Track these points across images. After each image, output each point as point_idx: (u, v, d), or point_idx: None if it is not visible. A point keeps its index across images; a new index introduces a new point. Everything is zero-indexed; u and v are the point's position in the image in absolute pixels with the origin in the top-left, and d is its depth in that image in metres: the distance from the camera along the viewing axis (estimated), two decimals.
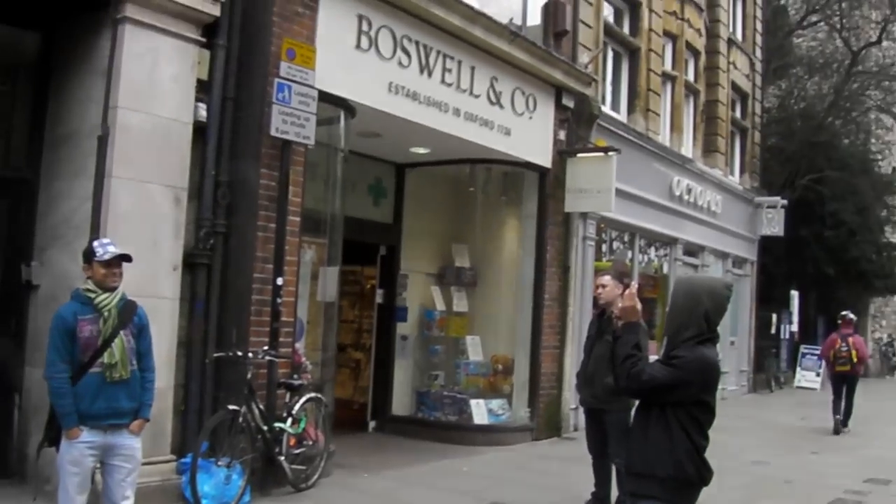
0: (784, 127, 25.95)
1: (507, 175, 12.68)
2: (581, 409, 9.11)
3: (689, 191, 16.94)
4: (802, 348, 24.24)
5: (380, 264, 12.34)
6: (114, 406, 5.07)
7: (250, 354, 7.47)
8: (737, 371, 20.40)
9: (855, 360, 14.69)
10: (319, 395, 8.61)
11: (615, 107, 14.99)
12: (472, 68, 10.75)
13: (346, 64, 8.90)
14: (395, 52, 9.49)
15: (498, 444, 11.36)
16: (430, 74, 10.04)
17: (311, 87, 8.18)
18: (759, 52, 22.00)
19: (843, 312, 15.89)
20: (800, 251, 24.30)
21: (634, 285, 4.26)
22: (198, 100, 7.45)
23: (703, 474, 4.04)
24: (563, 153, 12.55)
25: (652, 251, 16.28)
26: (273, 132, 7.87)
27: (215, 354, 7.45)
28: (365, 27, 9.08)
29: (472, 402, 11.63)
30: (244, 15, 7.79)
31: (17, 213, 7.35)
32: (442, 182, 12.69)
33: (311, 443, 8.36)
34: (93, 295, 5.08)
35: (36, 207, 7.37)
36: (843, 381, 14.84)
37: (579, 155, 12.59)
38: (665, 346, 4.19)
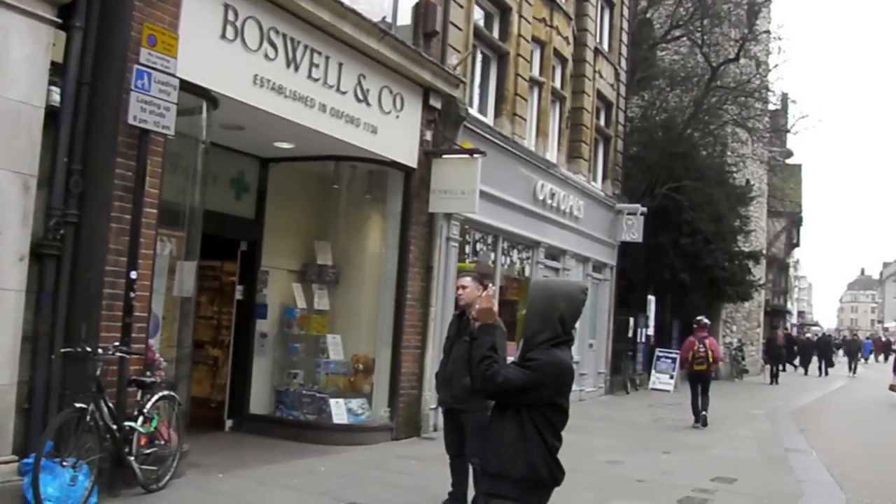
0: (646, 137, 26.68)
1: (372, 173, 12.63)
2: (441, 409, 9.15)
3: (552, 195, 17.25)
4: (657, 351, 25.09)
5: (240, 260, 12.12)
6: None
7: (100, 350, 7.20)
8: (595, 373, 20.88)
9: (711, 360, 16.26)
10: (173, 393, 8.36)
11: (482, 110, 15.13)
12: (340, 65, 10.67)
13: (210, 54, 8.69)
14: (261, 44, 9.33)
15: (357, 443, 11.32)
16: (296, 69, 9.90)
17: (173, 75, 7.95)
18: (624, 63, 22.55)
19: (699, 318, 17.36)
20: (658, 257, 25.03)
21: (491, 287, 4.30)
22: (51, 83, 7.10)
23: (556, 475, 4.10)
24: (429, 154, 12.60)
25: (515, 254, 16.49)
26: (131, 120, 7.61)
27: (62, 350, 7.12)
28: (231, 17, 8.89)
29: (332, 401, 11.55)
30: None
31: None
32: (306, 178, 12.56)
33: (163, 442, 8.14)
34: None
35: None
36: (700, 380, 16.32)
37: (445, 156, 12.67)
38: (521, 348, 4.23)
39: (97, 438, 7.14)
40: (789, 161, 42.80)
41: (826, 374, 39.58)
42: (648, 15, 27.92)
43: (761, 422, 17.97)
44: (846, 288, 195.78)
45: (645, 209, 21.74)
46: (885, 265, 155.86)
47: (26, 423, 7.00)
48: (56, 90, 7.18)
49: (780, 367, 33.43)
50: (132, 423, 7.62)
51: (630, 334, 24.50)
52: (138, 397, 7.88)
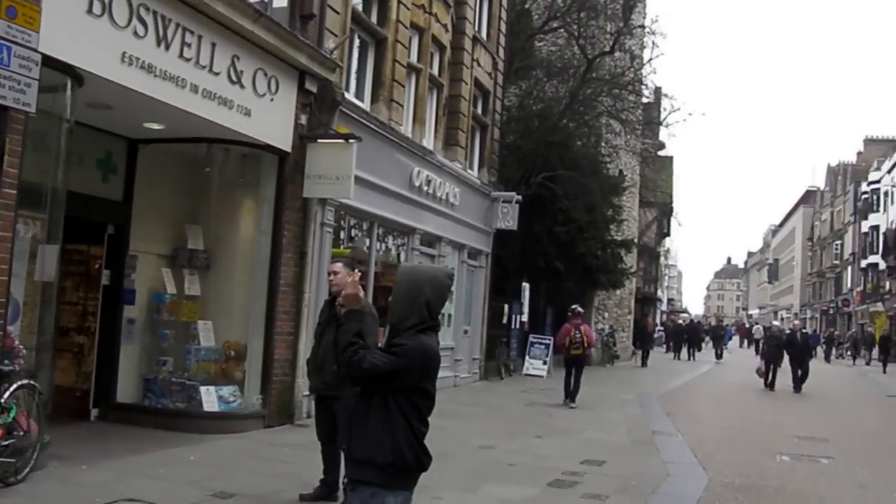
0: (522, 126, 26.93)
1: (245, 157, 12.41)
2: (313, 396, 9.08)
3: (428, 182, 17.31)
4: (531, 338, 25.48)
5: (107, 244, 11.71)
6: None
7: None
8: (469, 359, 21.08)
9: (586, 345, 17.65)
10: (33, 382, 8.02)
11: (359, 95, 15.04)
12: (213, 45, 10.43)
13: (76, 29, 8.37)
14: (130, 20, 9.03)
15: (229, 431, 11.15)
16: (167, 47, 9.63)
17: (35, 50, 7.61)
18: (502, 52, 22.75)
19: (574, 306, 18.51)
20: (532, 245, 25.40)
21: (358, 273, 4.27)
22: None
23: (423, 461, 4.11)
24: (304, 138, 12.46)
25: (390, 240, 16.48)
26: None
27: None
28: None
29: (202, 388, 11.34)
30: None
31: None
32: (178, 160, 12.24)
33: (22, 433, 7.80)
34: None
35: None
36: (574, 364, 17.69)
37: (320, 140, 12.56)
38: (388, 334, 4.22)
39: None
40: (661, 153, 43.92)
41: (694, 358, 41.23)
42: (527, 5, 28.24)
43: (631, 406, 18.46)
44: (713, 276, 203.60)
45: (520, 197, 22.02)
46: (750, 254, 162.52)
47: None
48: None
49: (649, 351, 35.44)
50: None
51: (505, 321, 24.78)
52: None
